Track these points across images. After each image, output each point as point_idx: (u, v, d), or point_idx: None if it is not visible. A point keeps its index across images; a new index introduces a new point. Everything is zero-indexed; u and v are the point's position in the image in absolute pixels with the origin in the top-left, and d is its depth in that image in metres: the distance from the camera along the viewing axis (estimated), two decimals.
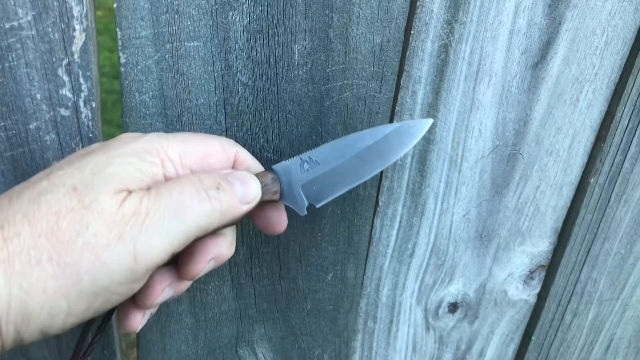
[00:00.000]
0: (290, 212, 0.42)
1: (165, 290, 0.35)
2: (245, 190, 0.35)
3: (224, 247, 0.36)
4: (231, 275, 0.48)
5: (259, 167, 0.38)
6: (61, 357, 0.47)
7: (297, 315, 0.52)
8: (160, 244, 0.30)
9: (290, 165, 0.37)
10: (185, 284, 0.37)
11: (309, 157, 0.37)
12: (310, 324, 0.53)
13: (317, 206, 0.38)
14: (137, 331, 0.36)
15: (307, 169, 0.37)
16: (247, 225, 0.46)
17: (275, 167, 0.37)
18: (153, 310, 0.37)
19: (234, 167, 0.37)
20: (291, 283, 0.50)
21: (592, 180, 0.52)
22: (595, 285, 0.60)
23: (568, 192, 0.53)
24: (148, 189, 0.31)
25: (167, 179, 0.33)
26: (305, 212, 0.38)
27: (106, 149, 0.32)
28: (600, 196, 0.54)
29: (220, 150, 0.36)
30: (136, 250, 0.29)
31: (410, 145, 0.38)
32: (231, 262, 0.47)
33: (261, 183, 0.36)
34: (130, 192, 0.31)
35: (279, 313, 0.51)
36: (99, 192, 0.30)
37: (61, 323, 0.30)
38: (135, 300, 0.35)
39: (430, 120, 0.38)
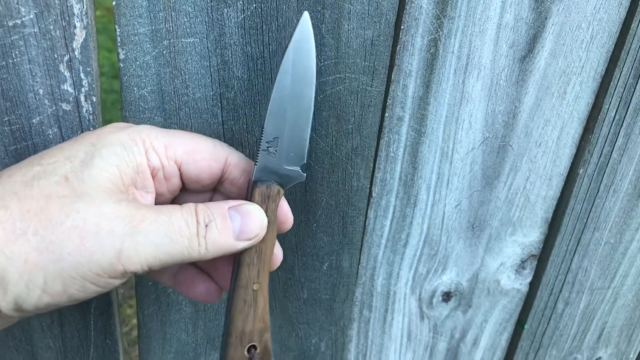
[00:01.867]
0: (289, 202, 0.44)
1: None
2: (245, 225, 0.35)
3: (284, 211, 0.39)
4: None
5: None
6: (65, 346, 0.49)
7: (294, 304, 0.53)
8: (146, 253, 0.31)
9: (264, 163, 0.38)
10: None
11: (266, 142, 0.38)
12: (307, 313, 0.54)
13: (305, 161, 0.39)
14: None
15: (275, 151, 0.38)
16: None
17: (256, 177, 0.38)
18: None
19: (225, 170, 0.38)
20: (288, 272, 0.51)
21: (581, 171, 0.54)
22: (586, 274, 0.61)
23: (557, 183, 0.54)
24: (134, 182, 0.33)
25: (151, 169, 0.35)
26: (305, 174, 0.39)
27: (95, 138, 0.33)
28: (589, 186, 0.55)
29: (210, 149, 0.37)
30: (122, 248, 0.30)
31: (314, 50, 0.37)
32: None
33: (262, 197, 0.38)
34: (122, 187, 0.32)
35: (277, 302, 0.53)
36: (90, 187, 0.31)
37: (36, 299, 0.30)
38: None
39: (305, 15, 0.37)
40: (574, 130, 0.51)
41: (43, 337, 0.48)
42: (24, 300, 0.30)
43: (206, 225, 0.33)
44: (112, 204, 0.31)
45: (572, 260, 0.60)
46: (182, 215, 0.33)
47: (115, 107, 2.11)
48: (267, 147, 0.38)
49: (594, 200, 0.56)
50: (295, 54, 0.37)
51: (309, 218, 0.49)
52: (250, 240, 0.35)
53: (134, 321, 1.59)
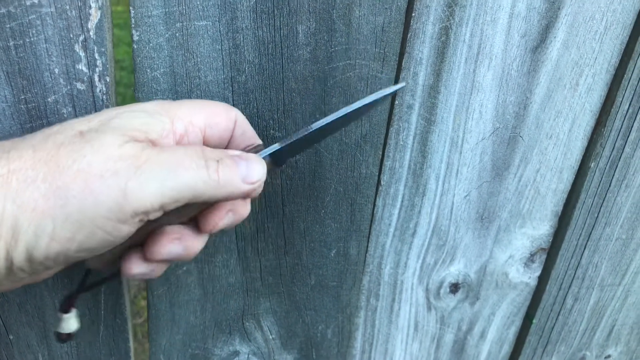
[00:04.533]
0: (295, 189, 0.44)
1: (174, 242, 0.36)
2: (250, 170, 0.36)
3: (240, 203, 0.38)
4: (238, 249, 0.50)
5: (253, 132, 0.40)
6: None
7: (302, 290, 0.54)
8: (151, 190, 0.31)
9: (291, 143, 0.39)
10: (197, 242, 0.37)
11: (310, 125, 0.39)
12: (314, 299, 0.55)
13: (282, 166, 0.40)
14: (133, 275, 0.37)
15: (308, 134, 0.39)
16: (253, 201, 0.48)
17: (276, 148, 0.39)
18: (156, 270, 0.38)
19: (234, 128, 0.39)
20: (296, 258, 0.52)
21: (592, 165, 0.53)
22: (597, 270, 0.61)
23: (568, 176, 0.54)
24: (153, 142, 0.33)
25: (176, 135, 0.35)
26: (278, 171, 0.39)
27: (120, 108, 0.35)
28: (600, 180, 0.55)
29: (223, 111, 0.38)
30: (127, 188, 0.31)
31: (371, 109, 0.39)
32: (238, 236, 0.49)
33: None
34: (135, 140, 0.33)
35: (284, 287, 0.53)
36: (103, 133, 0.32)
37: (45, 246, 0.31)
38: (144, 250, 0.36)
39: (403, 84, 0.39)
40: (585, 122, 0.51)
41: (55, 314, 0.49)
42: (33, 248, 0.31)
43: (217, 161, 0.34)
44: (118, 147, 0.32)
45: (582, 255, 0.59)
46: (187, 152, 0.33)
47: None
48: (309, 128, 0.39)
49: (606, 194, 0.56)
50: (366, 107, 0.39)
51: (318, 204, 0.49)
52: (253, 185, 0.36)
53: (136, 319, 1.60)
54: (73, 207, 0.31)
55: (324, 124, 0.39)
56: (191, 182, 0.33)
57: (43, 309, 0.48)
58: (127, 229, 0.32)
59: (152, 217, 0.33)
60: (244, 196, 0.36)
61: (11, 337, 0.49)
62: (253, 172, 0.36)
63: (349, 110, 0.39)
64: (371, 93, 0.44)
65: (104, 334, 0.51)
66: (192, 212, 0.37)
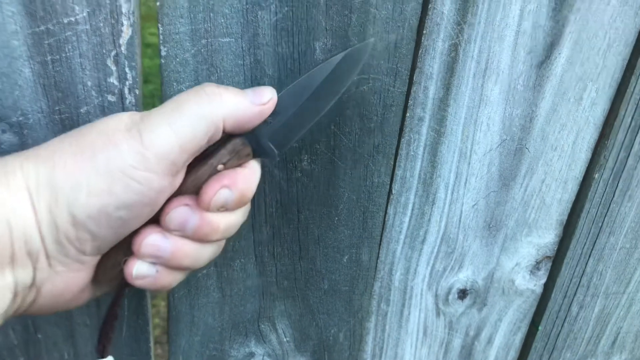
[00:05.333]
0: (310, 197, 0.47)
1: (182, 208, 0.37)
2: (257, 94, 0.37)
3: (240, 178, 0.38)
4: (255, 254, 0.52)
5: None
6: (100, 324, 0.52)
7: (315, 294, 0.56)
8: (163, 130, 0.34)
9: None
10: (204, 219, 0.38)
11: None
12: (327, 303, 0.57)
13: (285, 150, 0.40)
14: (142, 251, 0.37)
15: (270, 122, 0.39)
16: (270, 207, 0.50)
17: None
18: (161, 273, 0.38)
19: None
20: (310, 263, 0.54)
21: (596, 176, 0.55)
22: (601, 278, 0.63)
23: (573, 187, 0.56)
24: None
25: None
26: (278, 159, 0.40)
27: None
28: (604, 191, 0.57)
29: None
30: (142, 135, 0.34)
31: (356, 72, 0.40)
32: (255, 241, 0.51)
33: (233, 149, 0.38)
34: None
35: (298, 291, 0.55)
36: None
37: (84, 201, 0.33)
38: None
39: (371, 41, 0.39)
40: (589, 135, 0.53)
41: (80, 315, 0.51)
42: (73, 204, 0.33)
43: (220, 91, 0.36)
44: (130, 114, 0.36)
45: (587, 263, 0.61)
46: (187, 92, 0.36)
47: None
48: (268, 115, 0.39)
49: (610, 204, 0.58)
50: (341, 63, 0.39)
51: (331, 212, 0.52)
52: (265, 105, 0.37)
53: (156, 320, 1.63)
54: (100, 160, 0.33)
55: (308, 94, 0.39)
56: (199, 111, 0.35)
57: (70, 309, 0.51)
58: (158, 180, 0.34)
59: (177, 162, 0.35)
60: (257, 117, 0.37)
61: (39, 335, 0.51)
62: (260, 92, 0.38)
63: (325, 73, 0.39)
64: (385, 107, 0.46)
65: (126, 334, 0.53)
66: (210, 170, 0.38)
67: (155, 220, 0.38)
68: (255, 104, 0.37)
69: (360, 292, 0.57)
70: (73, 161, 0.34)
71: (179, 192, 0.38)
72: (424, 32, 0.45)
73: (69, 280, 0.37)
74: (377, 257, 0.56)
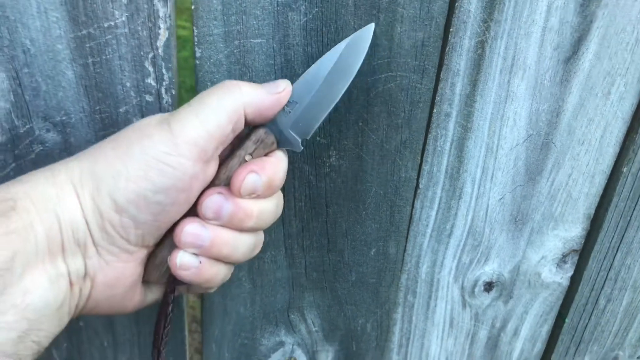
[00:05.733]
0: (338, 191, 0.48)
1: (216, 196, 0.39)
2: (272, 84, 0.40)
3: (267, 164, 0.40)
4: (285, 246, 0.54)
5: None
6: (137, 312, 0.54)
7: (343, 285, 0.57)
8: (190, 120, 0.37)
9: (275, 117, 0.41)
10: (238, 204, 0.40)
11: (287, 101, 0.41)
12: (354, 295, 0.58)
13: (308, 138, 0.42)
14: (183, 240, 0.39)
15: (289, 111, 0.41)
16: (299, 202, 0.52)
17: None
18: (204, 265, 0.40)
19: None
20: (338, 256, 0.55)
21: (624, 170, 0.55)
22: (630, 271, 0.63)
23: (600, 180, 0.56)
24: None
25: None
26: (302, 148, 0.42)
27: None
28: (633, 185, 0.57)
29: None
30: (171, 126, 0.37)
31: (363, 55, 0.41)
32: (285, 233, 0.53)
33: (257, 139, 0.41)
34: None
35: (327, 283, 0.57)
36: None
37: (123, 187, 0.36)
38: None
39: (372, 25, 0.41)
40: (617, 129, 0.53)
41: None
42: (114, 191, 0.36)
43: (240, 84, 0.39)
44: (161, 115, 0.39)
45: (614, 257, 0.61)
46: (211, 88, 0.39)
47: None
48: (285, 104, 0.41)
49: (638, 198, 0.58)
50: (347, 48, 0.41)
51: (359, 206, 0.53)
52: (280, 94, 0.40)
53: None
54: (136, 149, 0.36)
55: (321, 81, 0.41)
56: (220, 101, 0.38)
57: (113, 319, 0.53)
58: (191, 165, 0.37)
59: (207, 149, 0.37)
60: (275, 105, 0.40)
61: (81, 323, 0.54)
62: (275, 85, 0.40)
63: (334, 60, 0.41)
64: (410, 103, 0.47)
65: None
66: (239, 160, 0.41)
67: (195, 214, 0.40)
68: (271, 93, 0.40)
69: (388, 284, 0.58)
70: (112, 153, 0.37)
71: (212, 185, 0.40)
72: (451, 30, 0.46)
73: (119, 271, 0.39)
74: (404, 250, 0.57)
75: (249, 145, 0.41)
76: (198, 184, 0.38)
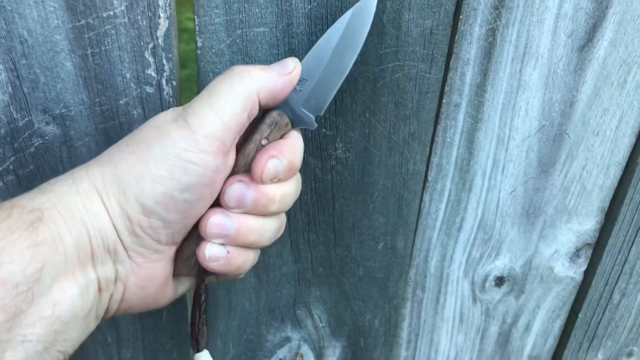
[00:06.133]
0: (345, 184, 0.47)
1: (237, 184, 0.39)
2: (282, 65, 0.39)
3: (285, 146, 0.40)
4: (290, 240, 0.52)
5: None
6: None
7: (350, 280, 0.56)
8: (206, 114, 0.36)
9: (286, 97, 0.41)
10: (260, 190, 0.39)
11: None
12: (362, 290, 0.57)
13: (321, 114, 0.41)
14: (210, 231, 0.39)
15: (299, 90, 0.40)
16: (305, 195, 0.50)
17: None
18: (232, 254, 0.40)
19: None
20: (345, 250, 0.54)
21: None
22: None
23: (615, 172, 0.54)
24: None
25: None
26: (316, 125, 0.41)
27: None
28: None
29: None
30: (188, 122, 0.36)
31: (369, 25, 0.40)
32: (291, 227, 0.52)
33: (271, 122, 0.40)
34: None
35: (334, 278, 0.56)
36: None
37: (149, 188, 0.36)
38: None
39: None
40: (633, 119, 0.51)
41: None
42: (141, 194, 0.36)
43: (249, 69, 0.38)
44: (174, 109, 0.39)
45: (629, 251, 0.60)
46: (219, 77, 0.38)
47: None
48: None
49: None
50: (353, 18, 0.40)
51: (366, 199, 0.52)
52: (291, 74, 0.39)
53: None
54: (156, 150, 0.36)
55: (328, 55, 0.40)
56: (232, 89, 0.37)
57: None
58: (212, 159, 0.36)
59: (225, 140, 0.37)
60: (287, 86, 0.39)
61: None
62: (284, 64, 0.39)
63: (340, 32, 0.40)
64: (419, 91, 0.46)
65: (166, 318, 0.55)
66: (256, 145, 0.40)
67: (218, 205, 0.40)
68: (282, 74, 0.39)
69: (396, 279, 0.57)
70: (132, 156, 0.36)
71: (232, 173, 0.40)
72: (461, 17, 0.44)
73: (150, 271, 0.39)
74: (413, 244, 0.56)
75: (264, 129, 0.40)
76: (221, 176, 0.38)
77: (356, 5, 0.40)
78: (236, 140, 0.38)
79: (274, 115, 0.40)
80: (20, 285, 0.32)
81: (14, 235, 0.33)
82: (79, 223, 0.35)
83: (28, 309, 0.32)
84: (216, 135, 0.36)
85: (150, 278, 0.39)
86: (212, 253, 0.39)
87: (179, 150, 0.36)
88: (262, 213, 0.40)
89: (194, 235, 0.40)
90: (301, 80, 0.40)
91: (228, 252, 0.40)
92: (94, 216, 0.36)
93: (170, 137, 0.36)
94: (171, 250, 0.40)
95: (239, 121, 0.37)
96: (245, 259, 0.41)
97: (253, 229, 0.40)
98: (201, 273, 0.42)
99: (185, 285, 0.44)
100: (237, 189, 0.39)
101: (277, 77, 0.38)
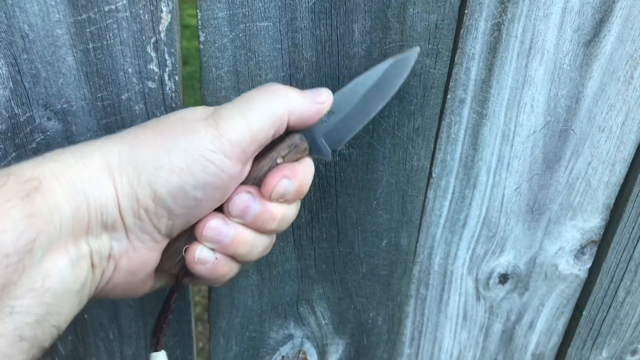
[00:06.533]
0: (348, 181, 0.46)
1: (245, 195, 0.39)
2: (316, 93, 0.40)
3: (299, 170, 0.40)
4: (294, 237, 0.52)
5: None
6: (142, 306, 0.53)
7: (353, 277, 0.56)
8: (237, 121, 0.37)
9: None
10: (265, 206, 0.40)
11: None
12: (365, 287, 0.57)
13: (338, 148, 0.43)
14: (204, 234, 0.39)
15: (325, 120, 0.41)
16: (308, 191, 0.50)
17: None
18: (220, 261, 0.40)
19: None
20: (348, 247, 0.54)
21: None
22: None
23: (621, 169, 0.54)
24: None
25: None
26: (331, 158, 0.43)
27: None
28: None
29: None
30: (217, 123, 0.37)
31: (403, 78, 0.42)
32: (294, 224, 0.51)
33: (292, 144, 0.41)
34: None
35: (337, 275, 0.55)
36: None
37: (166, 177, 0.36)
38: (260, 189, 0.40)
39: (417, 49, 0.42)
40: None
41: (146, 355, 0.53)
42: (155, 181, 0.36)
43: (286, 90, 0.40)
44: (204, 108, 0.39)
45: (634, 248, 0.59)
46: (257, 89, 0.39)
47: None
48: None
49: None
50: (391, 68, 0.42)
51: (370, 196, 0.51)
52: (323, 104, 0.40)
53: (197, 298, 1.66)
54: (181, 142, 0.36)
55: (360, 96, 0.42)
56: (267, 106, 0.38)
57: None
58: (231, 165, 0.37)
59: (248, 151, 0.37)
60: (316, 114, 0.40)
61: (86, 316, 0.53)
62: (319, 93, 0.40)
63: (376, 77, 0.41)
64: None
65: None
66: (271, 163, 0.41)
67: (219, 211, 0.40)
68: (315, 102, 0.40)
69: (399, 276, 0.57)
70: (155, 143, 0.37)
71: (241, 184, 0.40)
72: (466, 11, 0.44)
73: (144, 258, 0.39)
74: (417, 241, 0.55)
75: (283, 148, 0.41)
76: (233, 183, 0.39)
77: (398, 55, 0.42)
78: (256, 153, 0.39)
79: (295, 138, 0.41)
80: (11, 256, 0.31)
81: (8, 204, 0.32)
82: (80, 195, 0.35)
83: (18, 281, 0.32)
84: (241, 144, 0.37)
85: (142, 265, 0.39)
86: (201, 255, 0.40)
87: (203, 148, 0.36)
88: (260, 228, 0.41)
89: (186, 235, 0.40)
90: (329, 112, 0.41)
91: (216, 259, 0.40)
92: (98, 191, 0.36)
93: (197, 133, 0.36)
94: (165, 243, 0.40)
95: (265, 136, 0.38)
96: (229, 270, 0.42)
97: (246, 242, 0.40)
98: (182, 273, 0.42)
99: (161, 281, 0.43)
100: (244, 199, 0.39)
101: (310, 105, 0.40)
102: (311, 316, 0.58)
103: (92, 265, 0.37)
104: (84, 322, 0.53)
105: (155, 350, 0.43)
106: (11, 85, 0.41)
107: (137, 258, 0.39)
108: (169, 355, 0.55)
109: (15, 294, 0.32)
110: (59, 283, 0.34)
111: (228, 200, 0.39)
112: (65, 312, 0.35)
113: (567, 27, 0.46)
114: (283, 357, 0.59)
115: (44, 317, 0.34)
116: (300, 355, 0.60)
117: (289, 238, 0.52)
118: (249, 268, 0.53)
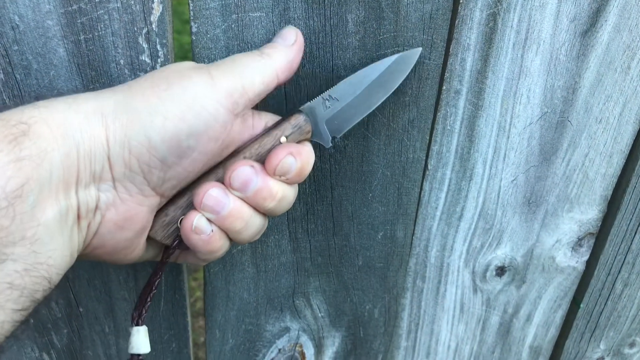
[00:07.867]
0: (343, 173, 0.46)
1: (248, 168, 0.39)
2: (284, 38, 0.41)
3: (303, 150, 0.41)
4: (289, 230, 0.52)
5: None
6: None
7: (349, 270, 0.56)
8: (229, 72, 0.38)
9: (314, 106, 0.42)
10: (266, 182, 0.40)
11: (329, 96, 0.42)
12: (361, 280, 0.56)
13: (338, 137, 0.43)
14: (203, 203, 0.39)
15: (329, 106, 0.42)
16: (303, 184, 0.50)
17: (303, 108, 0.42)
18: (214, 237, 0.40)
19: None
20: (344, 240, 0.54)
21: None
22: None
23: (618, 160, 0.53)
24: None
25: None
26: (330, 144, 0.43)
27: None
28: None
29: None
30: (210, 72, 0.38)
31: (406, 74, 0.43)
32: (289, 217, 0.51)
33: (296, 124, 0.41)
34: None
35: (333, 267, 0.55)
36: None
37: (160, 124, 0.36)
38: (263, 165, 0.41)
39: (419, 49, 0.44)
40: (637, 106, 0.50)
41: (120, 290, 0.52)
42: (150, 128, 0.36)
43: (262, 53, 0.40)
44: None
45: (632, 240, 0.59)
46: (241, 54, 0.40)
47: None
48: (327, 99, 0.42)
49: None
50: (395, 63, 0.43)
51: (365, 188, 0.51)
52: (296, 42, 0.41)
53: (198, 293, 1.67)
54: (176, 89, 0.37)
55: (363, 87, 0.42)
56: (251, 63, 0.39)
57: (109, 284, 0.52)
58: (224, 113, 0.38)
59: (239, 102, 0.38)
60: (294, 58, 0.41)
61: (81, 309, 0.53)
62: (287, 35, 0.41)
63: (380, 70, 0.42)
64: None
65: (164, 309, 0.55)
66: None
67: (219, 180, 0.40)
68: (288, 45, 0.41)
69: (395, 269, 0.57)
70: (151, 91, 0.37)
71: (243, 157, 0.40)
72: (461, 1, 0.43)
73: (131, 212, 0.38)
74: (413, 234, 0.55)
75: (287, 127, 0.41)
76: (224, 137, 0.39)
77: (403, 52, 0.43)
78: (246, 109, 0.39)
79: (300, 119, 0.42)
80: (0, 201, 0.31)
81: None
82: (69, 140, 0.35)
83: (10, 226, 0.32)
84: (233, 93, 0.38)
85: (129, 219, 0.39)
86: (199, 224, 0.40)
87: (196, 93, 0.37)
88: (257, 205, 0.41)
89: (183, 204, 0.40)
90: (332, 99, 0.42)
91: (212, 231, 0.40)
92: (88, 137, 0.35)
93: (191, 79, 0.37)
94: (154, 200, 0.39)
95: (255, 92, 0.39)
96: (221, 246, 0.41)
97: (243, 218, 0.40)
98: (174, 244, 0.42)
99: (150, 253, 0.43)
100: (246, 172, 0.40)
101: (288, 54, 0.40)
102: (307, 309, 0.57)
103: (79, 216, 0.36)
104: (79, 316, 0.53)
105: (137, 325, 0.42)
106: (2, 77, 0.41)
107: (125, 211, 0.38)
108: (165, 349, 0.56)
109: (7, 241, 0.32)
110: (47, 234, 0.34)
111: (230, 170, 0.40)
112: (57, 264, 0.35)
113: (563, 17, 0.45)
114: (279, 350, 0.59)
115: (34, 266, 0.33)
116: (297, 348, 0.60)
117: (285, 231, 0.52)
118: (244, 261, 0.53)
